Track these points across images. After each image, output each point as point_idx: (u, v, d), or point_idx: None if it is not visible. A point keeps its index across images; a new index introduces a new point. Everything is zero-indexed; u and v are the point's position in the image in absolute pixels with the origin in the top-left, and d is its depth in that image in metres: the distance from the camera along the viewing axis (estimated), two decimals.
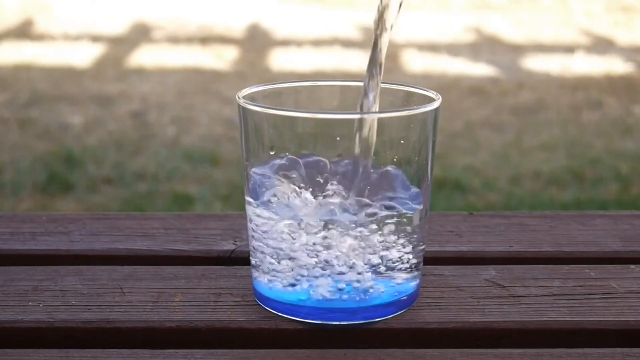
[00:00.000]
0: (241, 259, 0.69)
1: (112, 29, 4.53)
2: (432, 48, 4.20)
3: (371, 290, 0.59)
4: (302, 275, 0.59)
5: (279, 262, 0.59)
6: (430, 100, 0.61)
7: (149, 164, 2.60)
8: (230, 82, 3.55)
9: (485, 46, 4.31)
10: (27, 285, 0.64)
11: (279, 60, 4.00)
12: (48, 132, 2.89)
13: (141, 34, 4.47)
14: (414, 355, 0.57)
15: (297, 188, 0.59)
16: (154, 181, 2.47)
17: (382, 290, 0.59)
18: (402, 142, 0.59)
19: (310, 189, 0.59)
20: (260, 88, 0.63)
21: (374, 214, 0.58)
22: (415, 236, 0.60)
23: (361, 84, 0.64)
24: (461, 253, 0.71)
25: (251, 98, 0.61)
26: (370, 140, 0.58)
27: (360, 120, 0.58)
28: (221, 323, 0.60)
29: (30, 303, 0.62)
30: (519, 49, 4.24)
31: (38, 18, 4.79)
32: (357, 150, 0.59)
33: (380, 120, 0.58)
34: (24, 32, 4.48)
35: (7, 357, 0.56)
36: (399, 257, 0.59)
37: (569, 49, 4.21)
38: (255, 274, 0.62)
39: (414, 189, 0.60)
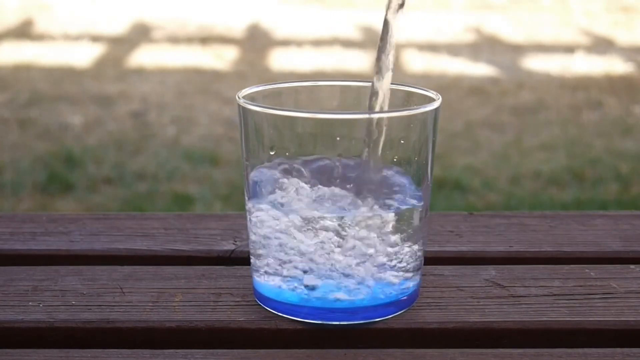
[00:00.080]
0: (241, 259, 0.69)
1: (112, 29, 4.53)
2: (432, 48, 4.20)
3: (371, 290, 0.59)
4: (302, 275, 0.59)
5: (279, 262, 0.59)
6: (430, 100, 0.61)
7: (149, 164, 2.60)
8: (230, 82, 3.55)
9: (485, 46, 4.31)
10: (27, 285, 0.64)
11: (279, 60, 4.00)
12: (48, 132, 2.89)
13: (141, 34, 4.47)
14: (414, 355, 0.57)
15: (298, 188, 0.59)
16: (154, 181, 2.47)
17: (382, 290, 0.59)
18: (402, 142, 0.59)
19: (311, 189, 0.59)
20: (260, 88, 0.63)
21: (374, 214, 0.58)
22: (415, 236, 0.60)
23: (361, 84, 0.64)
24: (461, 253, 0.71)
25: (251, 98, 0.61)
26: (378, 139, 0.58)
27: (370, 120, 0.58)
28: (221, 323, 0.60)
29: (30, 303, 0.62)
30: (519, 49, 4.24)
31: (38, 18, 4.79)
32: (364, 150, 0.59)
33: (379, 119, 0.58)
34: (24, 32, 4.48)
35: (7, 357, 0.56)
36: (399, 257, 0.59)
37: (569, 49, 4.21)
38: (255, 274, 0.62)
39: (414, 189, 0.60)
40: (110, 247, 0.72)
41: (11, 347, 0.58)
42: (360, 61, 3.93)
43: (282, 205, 0.59)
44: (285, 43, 4.28)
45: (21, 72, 3.66)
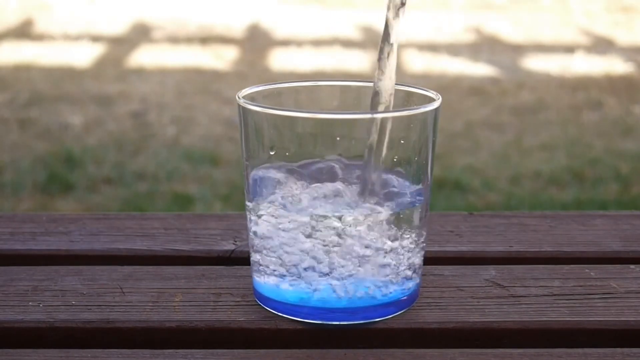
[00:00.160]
0: (241, 259, 0.69)
1: (112, 29, 4.53)
2: (432, 48, 4.20)
3: (371, 290, 0.59)
4: (302, 275, 0.59)
5: (279, 262, 0.59)
6: (430, 100, 0.61)
7: (149, 164, 2.60)
8: (230, 82, 3.55)
9: (485, 46, 4.31)
10: (27, 285, 0.64)
11: (279, 60, 4.00)
12: (48, 132, 2.89)
13: (141, 34, 4.47)
14: (414, 355, 0.57)
15: (298, 188, 0.59)
16: (154, 181, 2.47)
17: (382, 290, 0.59)
18: (402, 142, 0.59)
19: (312, 189, 0.59)
20: (260, 88, 0.63)
21: (374, 214, 0.58)
22: (415, 236, 0.60)
23: (361, 84, 0.64)
24: (461, 253, 0.71)
25: (251, 98, 0.61)
26: (380, 139, 0.58)
27: (372, 120, 0.58)
28: (221, 323, 0.60)
29: (30, 303, 0.62)
30: (519, 49, 4.24)
31: (38, 18, 4.79)
32: (366, 150, 0.59)
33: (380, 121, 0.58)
34: (24, 32, 4.49)
35: (7, 357, 0.56)
36: (399, 257, 0.59)
37: (569, 49, 4.21)
38: (255, 273, 0.62)
39: (414, 189, 0.60)
40: (110, 247, 0.72)
41: (11, 347, 0.58)
42: (360, 61, 3.93)
43: (282, 205, 0.59)
44: (285, 43, 4.28)
45: (21, 72, 3.66)
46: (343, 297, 0.59)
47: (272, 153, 0.59)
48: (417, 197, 0.60)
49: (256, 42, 4.33)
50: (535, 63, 3.97)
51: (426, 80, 3.55)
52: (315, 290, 0.59)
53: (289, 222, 0.58)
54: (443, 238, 0.73)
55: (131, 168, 2.56)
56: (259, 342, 0.59)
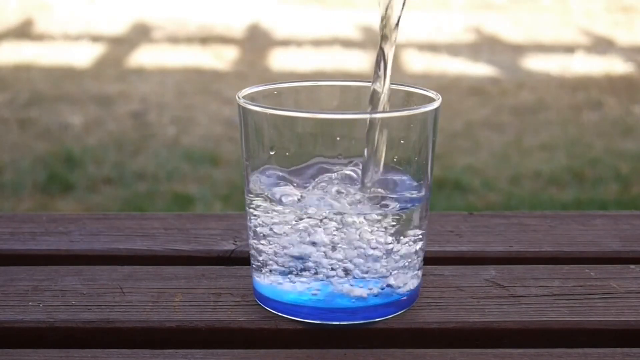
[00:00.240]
0: (241, 259, 0.69)
1: (112, 29, 4.53)
2: (432, 48, 4.20)
3: (371, 290, 0.59)
4: (302, 275, 0.59)
5: (279, 262, 0.59)
6: (430, 100, 0.61)
7: (149, 164, 2.60)
8: (230, 82, 3.55)
9: (485, 46, 4.31)
10: (27, 285, 0.64)
11: (279, 60, 4.00)
12: (48, 132, 2.89)
13: (141, 34, 4.47)
14: (414, 355, 0.57)
15: (298, 188, 0.59)
16: (154, 181, 2.47)
17: (382, 290, 0.59)
18: (402, 142, 0.59)
19: (312, 189, 0.59)
20: (260, 88, 0.63)
21: (374, 214, 0.58)
22: (415, 236, 0.60)
23: (361, 84, 0.64)
24: (461, 253, 0.71)
25: (251, 98, 0.61)
26: (380, 140, 0.58)
27: (371, 120, 0.58)
28: (221, 323, 0.60)
29: (30, 303, 0.62)
30: (519, 49, 4.24)
31: (38, 18, 4.79)
32: (366, 149, 0.59)
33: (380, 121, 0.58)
34: (24, 32, 4.49)
35: (7, 357, 0.56)
36: (399, 257, 0.59)
37: (569, 49, 4.21)
38: (255, 273, 0.62)
39: (414, 189, 0.60)
40: (110, 247, 0.72)
41: (11, 347, 0.58)
42: (360, 61, 3.93)
43: (282, 205, 0.59)
44: (285, 43, 4.28)
45: (21, 72, 3.66)
46: (343, 297, 0.59)
47: (272, 153, 0.59)
48: (417, 197, 0.60)
49: (256, 42, 4.33)
50: (535, 63, 3.97)
51: (426, 80, 3.55)
52: (315, 290, 0.59)
53: (289, 222, 0.58)
54: (443, 238, 0.73)
55: (131, 168, 2.56)
56: (259, 342, 0.59)
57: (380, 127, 0.58)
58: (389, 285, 0.59)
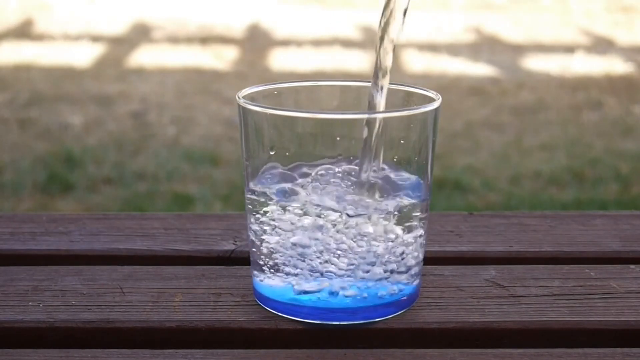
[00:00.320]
0: (241, 259, 0.69)
1: (112, 29, 4.53)
2: (432, 48, 4.20)
3: (371, 290, 0.59)
4: (302, 275, 0.59)
5: (279, 262, 0.59)
6: (430, 100, 0.61)
7: (149, 164, 2.60)
8: (230, 82, 3.55)
9: (485, 46, 4.31)
10: (27, 285, 0.64)
11: (279, 60, 4.00)
12: (48, 132, 2.89)
13: (141, 34, 4.47)
14: (414, 355, 0.57)
15: (298, 188, 0.59)
16: (154, 181, 2.47)
17: (382, 290, 0.59)
18: (402, 142, 0.59)
19: (312, 189, 0.59)
20: (260, 88, 0.63)
21: (374, 214, 0.58)
22: (415, 236, 0.60)
23: (361, 84, 0.64)
24: (461, 253, 0.71)
25: (251, 98, 0.61)
26: (378, 139, 0.58)
27: (369, 120, 0.58)
28: (221, 323, 0.60)
29: (30, 303, 0.62)
30: (519, 49, 4.24)
31: (38, 18, 4.79)
32: (365, 149, 0.59)
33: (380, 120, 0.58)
34: (24, 32, 4.49)
35: (7, 357, 0.56)
36: (399, 257, 0.59)
37: (569, 49, 4.21)
38: (255, 273, 0.62)
39: (414, 189, 0.60)
40: (110, 247, 0.72)
41: (11, 347, 0.58)
42: (360, 61, 3.93)
43: (282, 205, 0.59)
44: (285, 43, 4.28)
45: (21, 72, 3.66)
46: (343, 297, 0.59)
47: (272, 153, 0.59)
48: (417, 197, 0.60)
49: (256, 42, 4.33)
50: (535, 63, 3.97)
51: (426, 80, 3.55)
52: (315, 290, 0.59)
53: (289, 222, 0.58)
54: (443, 238, 0.73)
55: (131, 168, 2.56)
56: (259, 342, 0.59)
57: (380, 127, 0.58)
58: (389, 285, 0.59)
